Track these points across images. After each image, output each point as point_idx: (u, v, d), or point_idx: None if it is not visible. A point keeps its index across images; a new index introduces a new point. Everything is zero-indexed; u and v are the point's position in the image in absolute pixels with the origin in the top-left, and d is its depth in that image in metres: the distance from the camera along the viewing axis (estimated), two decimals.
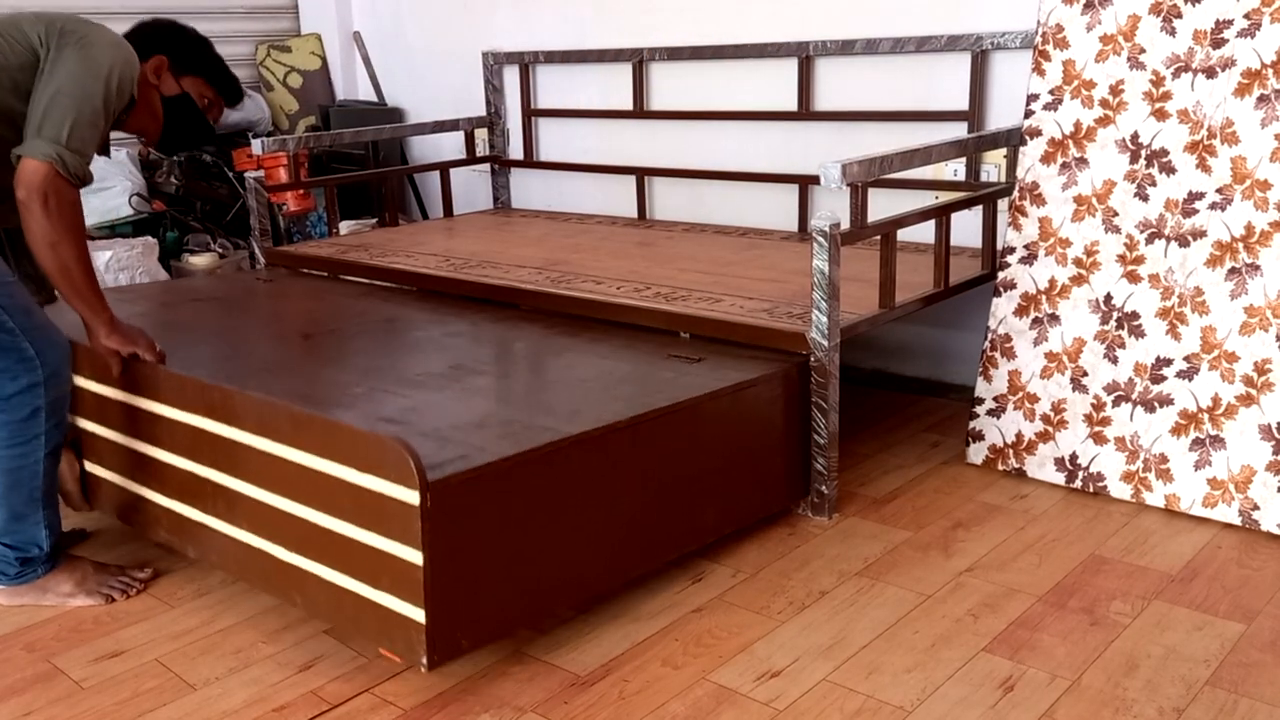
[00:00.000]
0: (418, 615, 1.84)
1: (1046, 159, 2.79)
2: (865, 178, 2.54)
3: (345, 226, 4.28)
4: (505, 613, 2.00)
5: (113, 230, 3.90)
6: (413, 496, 1.79)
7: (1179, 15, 2.59)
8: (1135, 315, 2.65)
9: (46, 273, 2.24)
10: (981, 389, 2.87)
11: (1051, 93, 2.78)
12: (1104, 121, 2.70)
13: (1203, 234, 2.56)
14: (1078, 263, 2.73)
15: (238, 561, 2.23)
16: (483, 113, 4.41)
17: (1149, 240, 2.64)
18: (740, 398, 2.41)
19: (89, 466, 2.60)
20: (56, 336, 2.27)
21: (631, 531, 2.23)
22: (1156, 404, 2.60)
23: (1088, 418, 2.69)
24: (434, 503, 1.79)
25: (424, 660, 1.85)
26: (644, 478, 2.23)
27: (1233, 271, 2.52)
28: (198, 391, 2.22)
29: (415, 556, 1.82)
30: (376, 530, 1.88)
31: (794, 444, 2.55)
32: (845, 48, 3.42)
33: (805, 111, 3.56)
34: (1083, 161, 2.73)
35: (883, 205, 3.12)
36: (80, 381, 2.50)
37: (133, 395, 2.38)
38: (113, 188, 4.17)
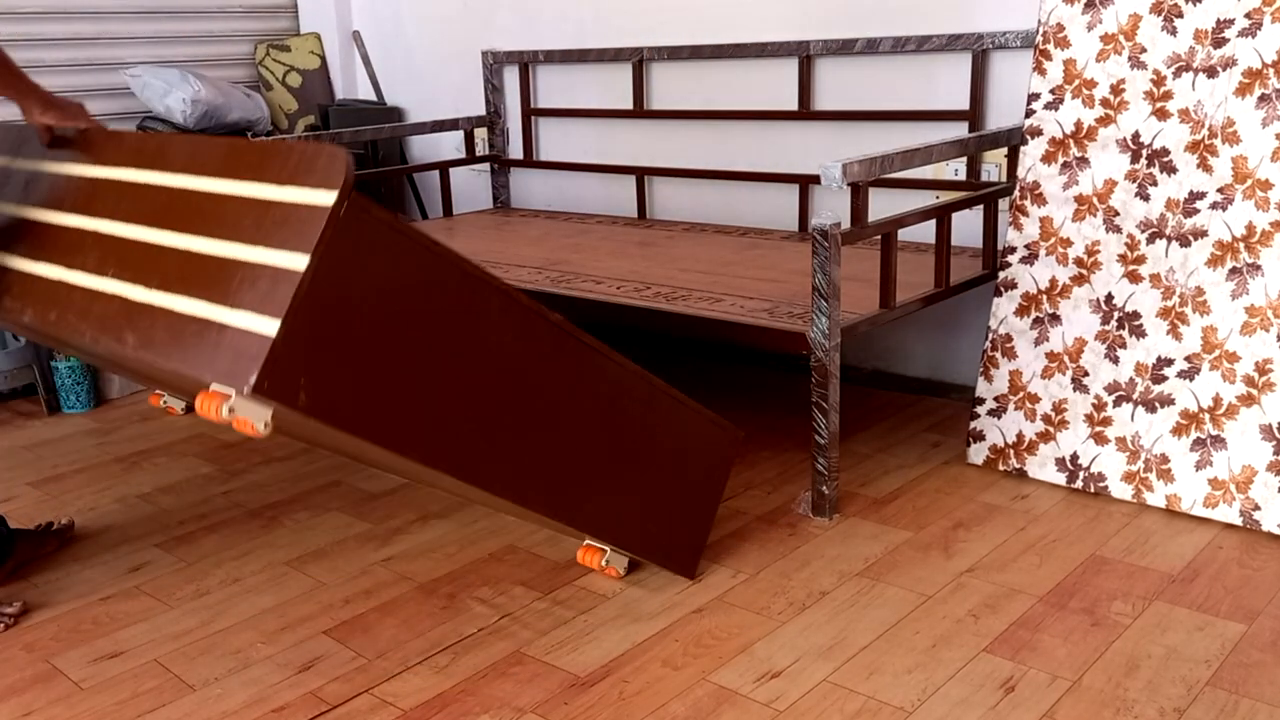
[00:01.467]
0: (269, 329, 1.60)
1: (1047, 158, 2.78)
2: (865, 177, 2.54)
3: None
4: (355, 401, 1.75)
5: None
6: (329, 198, 1.62)
7: (1180, 15, 2.59)
8: (1136, 315, 2.64)
9: None
10: (982, 389, 2.87)
11: (1052, 92, 2.77)
12: (1105, 121, 2.70)
13: (1204, 234, 2.56)
14: (1079, 262, 2.73)
15: (82, 311, 1.95)
16: (482, 112, 4.41)
17: (1150, 240, 2.63)
18: (697, 428, 2.36)
19: None
20: None
21: (515, 438, 2.02)
22: (1157, 404, 2.60)
23: (1089, 418, 2.69)
24: (348, 211, 1.62)
25: (250, 381, 1.57)
26: (561, 408, 2.08)
27: (1234, 271, 2.52)
28: (132, 142, 2.10)
29: (299, 262, 1.62)
30: (266, 244, 1.68)
31: (703, 519, 2.42)
32: (845, 48, 3.42)
33: (805, 111, 3.56)
34: (1084, 161, 2.73)
35: (883, 205, 3.12)
36: None
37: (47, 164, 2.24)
38: None
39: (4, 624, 2.28)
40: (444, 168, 4.30)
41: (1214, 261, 2.54)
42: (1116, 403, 2.65)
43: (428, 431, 1.88)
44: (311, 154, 1.70)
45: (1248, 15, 2.50)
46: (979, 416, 2.87)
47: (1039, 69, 2.79)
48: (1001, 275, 2.85)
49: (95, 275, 1.96)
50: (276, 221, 1.70)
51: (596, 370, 2.13)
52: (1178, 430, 2.57)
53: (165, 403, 3.57)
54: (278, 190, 1.72)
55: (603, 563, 2.35)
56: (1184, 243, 2.59)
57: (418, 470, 2.01)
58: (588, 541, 2.36)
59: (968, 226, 3.17)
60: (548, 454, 2.08)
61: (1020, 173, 2.83)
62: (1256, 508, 2.46)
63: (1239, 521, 2.49)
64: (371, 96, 4.85)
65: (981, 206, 3.00)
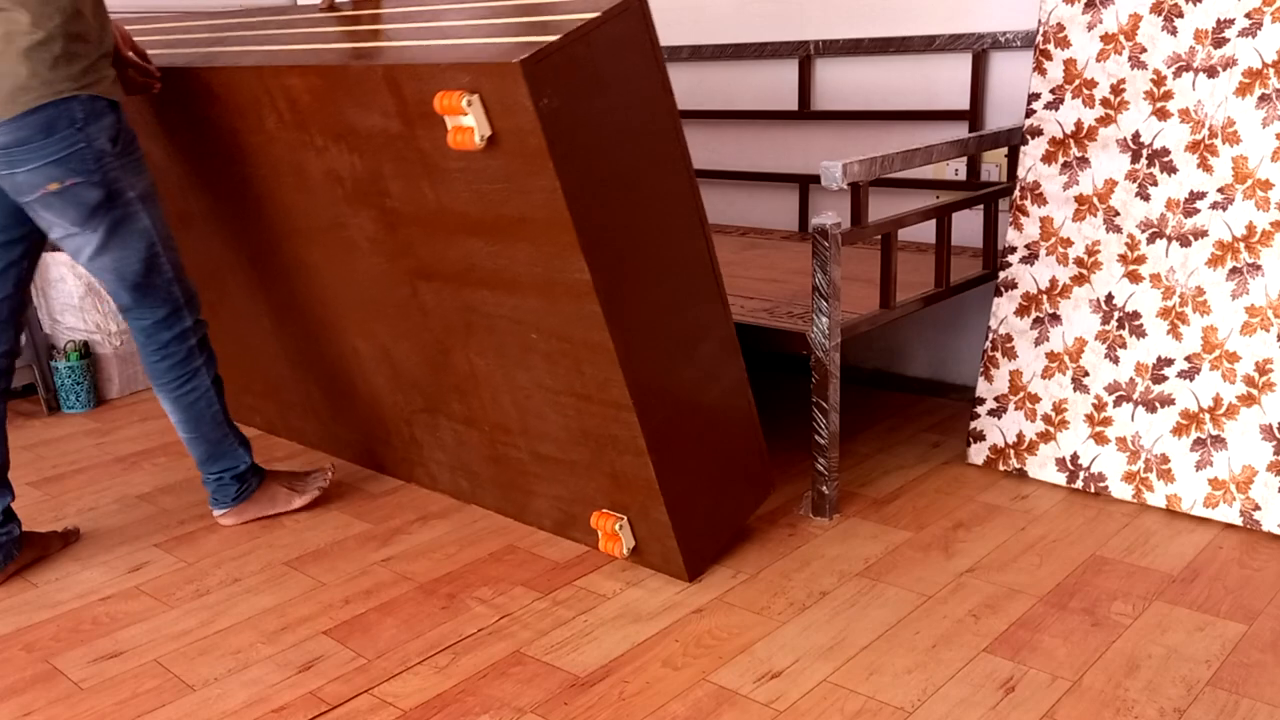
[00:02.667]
0: (554, 39, 1.90)
1: (1048, 158, 2.78)
2: (866, 177, 2.54)
3: None
4: (570, 143, 1.97)
5: None
6: None
7: (1180, 15, 2.59)
8: (1136, 315, 2.64)
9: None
10: (982, 389, 2.87)
11: (1053, 92, 2.77)
12: (1105, 121, 2.70)
13: (1204, 234, 2.56)
14: (1079, 262, 2.73)
15: (322, 56, 2.28)
16: None
17: (1150, 240, 2.63)
18: (747, 443, 2.45)
19: None
20: (193, 286, 2.54)
21: (650, 321, 2.16)
22: (1158, 404, 2.60)
23: (1089, 418, 2.69)
24: (639, 5, 2.00)
25: (527, 55, 1.85)
26: (684, 315, 2.25)
27: (1234, 271, 2.52)
28: None
29: (589, 16, 1.95)
30: (559, 12, 2.02)
31: (723, 530, 2.44)
32: (846, 48, 3.42)
33: (805, 111, 3.56)
34: (1084, 161, 2.73)
35: (883, 205, 3.12)
36: None
37: None
38: None
39: (328, 481, 2.77)
40: None
41: (1214, 261, 2.54)
42: (1117, 403, 2.65)
43: (596, 220, 2.03)
44: None
45: (1248, 15, 2.50)
46: (979, 416, 2.87)
47: (1039, 69, 2.79)
48: (1002, 275, 2.85)
49: (356, 42, 2.29)
50: (573, 7, 2.01)
51: (717, 311, 2.30)
52: (1178, 430, 2.57)
53: None
54: None
55: (615, 527, 2.34)
56: (1184, 243, 2.59)
57: (545, 279, 2.11)
58: (605, 509, 2.37)
59: (968, 226, 3.17)
60: (656, 334, 2.19)
61: (1020, 173, 2.83)
62: (1257, 508, 2.46)
63: (1239, 521, 2.49)
64: None
65: (981, 206, 3.01)
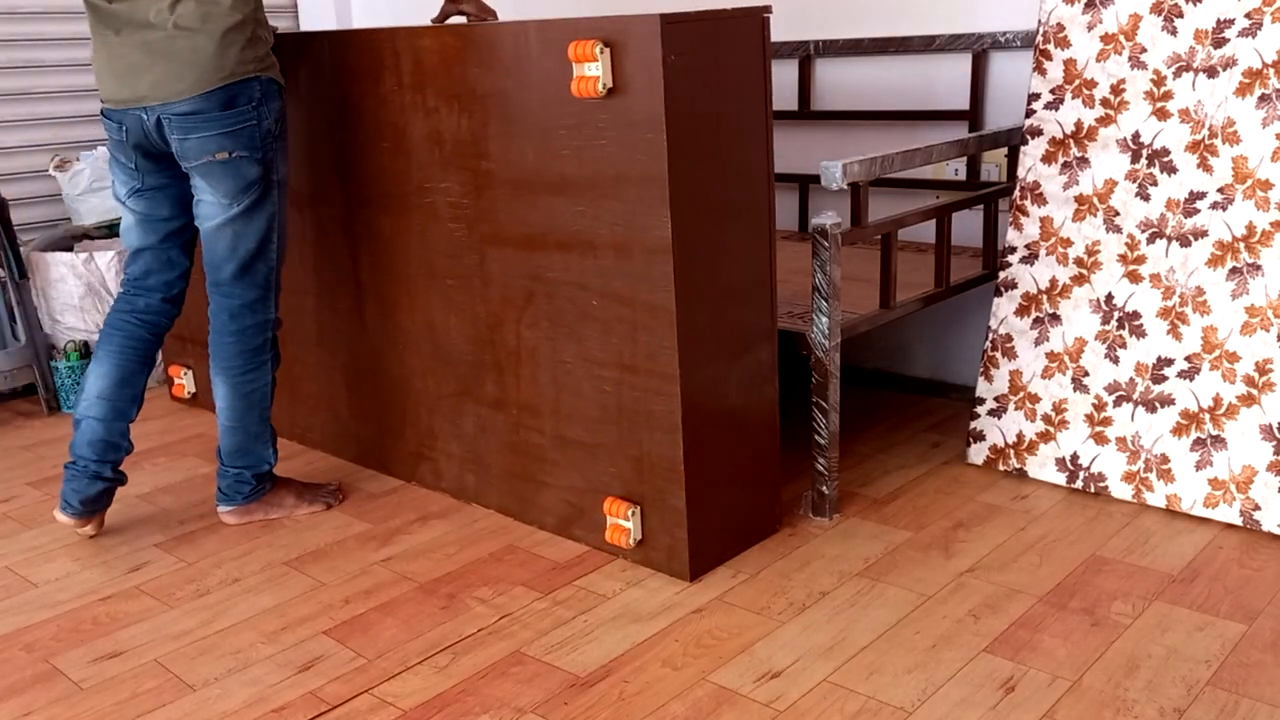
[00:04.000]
0: (680, 13, 2.16)
1: (1048, 158, 2.78)
2: (865, 177, 2.54)
3: None
4: (682, 104, 2.16)
5: (112, 230, 3.90)
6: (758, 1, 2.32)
7: (1180, 15, 2.59)
8: (1136, 315, 2.64)
9: None
10: (982, 389, 2.87)
11: (1052, 92, 2.77)
12: (1105, 121, 2.70)
13: (1204, 234, 2.56)
14: (1079, 262, 2.73)
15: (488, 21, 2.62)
16: None
17: (1150, 240, 2.63)
18: (768, 464, 2.50)
19: None
20: (280, 285, 2.63)
21: (713, 304, 2.30)
22: (1158, 404, 2.60)
23: (1089, 418, 2.69)
24: (765, 16, 2.29)
25: (663, 13, 2.09)
26: (741, 316, 2.38)
27: (1234, 271, 2.52)
28: None
29: (720, 9, 2.24)
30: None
31: (732, 542, 2.49)
32: (845, 48, 3.42)
33: (805, 111, 3.56)
34: (1084, 161, 2.73)
35: (883, 205, 3.12)
36: None
37: None
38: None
39: (339, 497, 2.82)
40: None
41: (1214, 261, 2.54)
42: (1117, 403, 2.65)
43: (688, 189, 2.19)
44: None
45: (1248, 15, 2.50)
46: (979, 416, 2.87)
47: (1039, 69, 2.79)
48: (1001, 275, 2.85)
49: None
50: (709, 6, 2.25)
51: (762, 313, 2.41)
52: (1178, 430, 2.57)
53: (181, 379, 3.59)
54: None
55: (628, 512, 2.37)
56: (1184, 243, 2.59)
57: (624, 239, 2.26)
58: (618, 496, 2.40)
59: (968, 226, 3.17)
60: (713, 320, 2.31)
61: (1020, 173, 2.83)
62: (1257, 508, 2.46)
63: (1239, 521, 2.49)
64: None
65: (981, 206, 3.00)
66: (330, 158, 2.82)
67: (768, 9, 2.28)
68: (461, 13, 2.66)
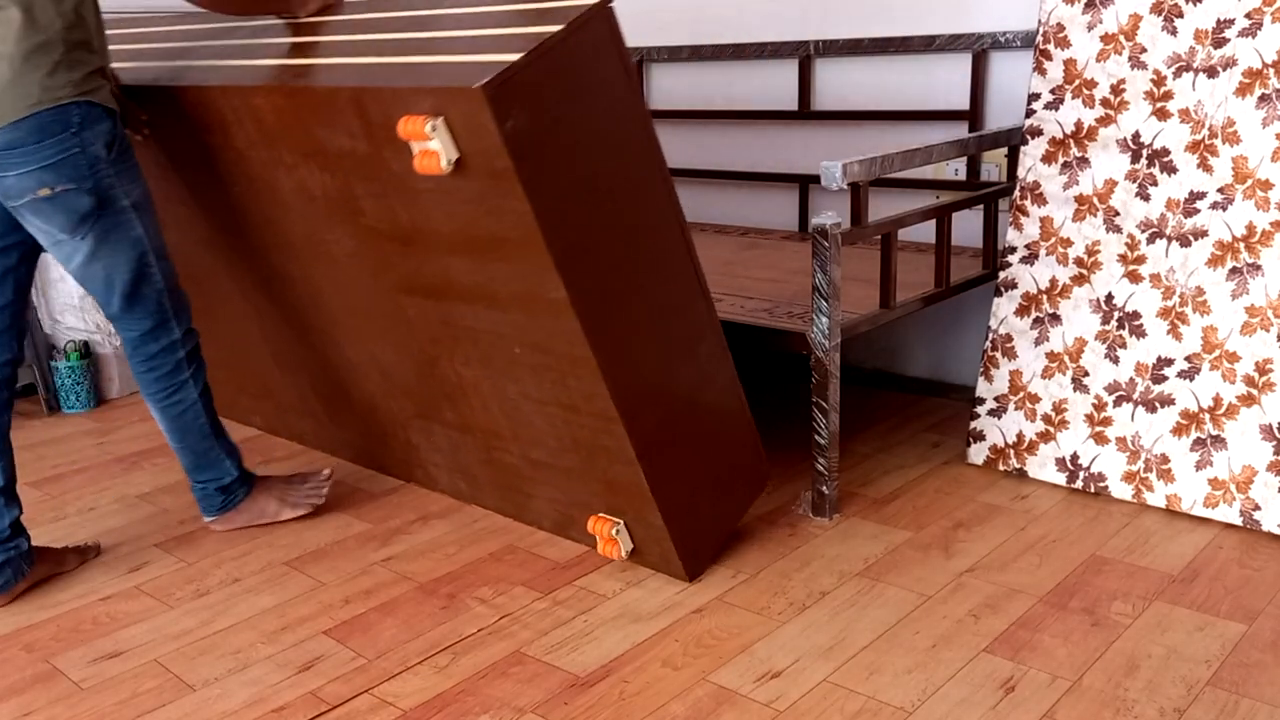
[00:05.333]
0: (511, 58, 1.84)
1: (1047, 158, 2.78)
2: (865, 177, 2.54)
3: None
4: (541, 164, 1.92)
5: None
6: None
7: (1180, 15, 2.59)
8: (1136, 315, 2.64)
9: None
10: (982, 389, 2.87)
11: (1052, 92, 2.77)
12: (1105, 121, 2.70)
13: (1204, 234, 2.56)
14: (1079, 262, 2.73)
15: (305, 72, 2.25)
16: None
17: (1150, 240, 2.63)
18: (740, 436, 2.41)
19: None
20: (185, 297, 2.50)
21: (630, 331, 2.13)
22: (1158, 404, 2.60)
23: (1089, 418, 2.69)
24: (608, 11, 1.94)
25: (485, 80, 1.79)
26: (668, 321, 2.21)
27: (1234, 271, 2.52)
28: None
29: (555, 28, 1.89)
30: (525, 24, 1.96)
31: (720, 529, 2.44)
32: (845, 48, 3.42)
33: (805, 111, 3.56)
34: (1084, 161, 2.73)
35: (883, 205, 3.12)
36: None
37: None
38: None
39: (326, 489, 2.72)
40: None
41: (1214, 261, 2.54)
42: (1117, 403, 2.65)
43: (571, 238, 1.98)
44: None
45: (1248, 15, 2.50)
46: (979, 416, 2.87)
47: (1039, 69, 2.79)
48: (1001, 275, 2.85)
49: (323, 58, 2.23)
50: (539, 14, 1.94)
51: (703, 316, 2.27)
52: (1178, 430, 2.57)
53: None
54: (543, 2, 1.99)
55: (612, 531, 2.34)
56: (1184, 243, 2.59)
57: (523, 295, 2.08)
58: (601, 514, 2.37)
59: (968, 226, 3.17)
60: (641, 345, 2.16)
61: (1020, 173, 2.83)
62: (1257, 508, 2.46)
63: (1239, 521, 2.49)
64: None
65: (981, 206, 3.00)
66: (219, 202, 2.67)
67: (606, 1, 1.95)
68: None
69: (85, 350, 3.66)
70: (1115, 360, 2.66)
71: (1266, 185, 2.48)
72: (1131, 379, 2.64)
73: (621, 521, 2.34)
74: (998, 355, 2.85)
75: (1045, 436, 2.76)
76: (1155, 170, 2.63)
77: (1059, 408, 2.73)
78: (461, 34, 2.00)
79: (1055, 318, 2.76)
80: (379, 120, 2.00)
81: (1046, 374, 2.76)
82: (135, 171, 2.37)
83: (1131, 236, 2.66)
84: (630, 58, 2.01)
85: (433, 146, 1.87)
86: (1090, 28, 2.71)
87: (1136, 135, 2.65)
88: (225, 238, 2.77)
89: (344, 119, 2.09)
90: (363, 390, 2.78)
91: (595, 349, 2.05)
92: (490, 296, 2.15)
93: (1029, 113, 2.81)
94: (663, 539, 2.30)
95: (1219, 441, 2.51)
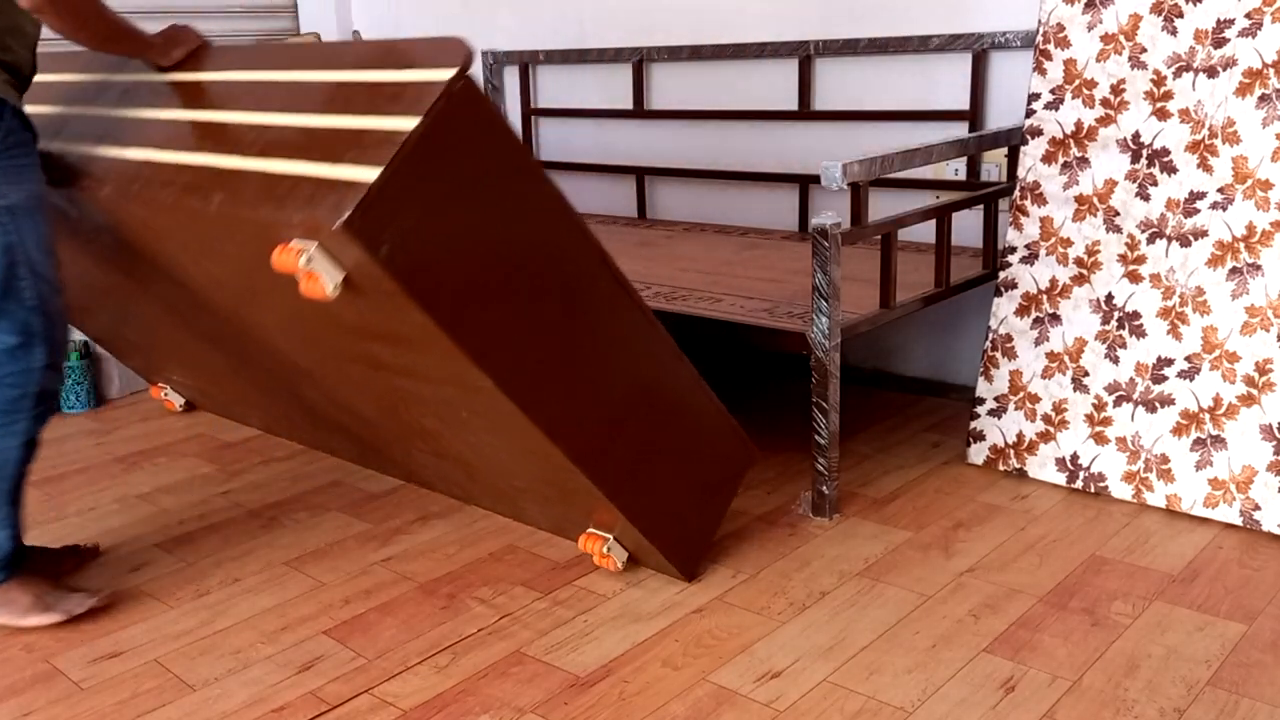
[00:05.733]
0: (369, 176, 1.64)
1: (1048, 158, 2.78)
2: (866, 177, 2.54)
3: None
4: (431, 274, 1.78)
5: None
6: (447, 74, 1.70)
7: (1180, 15, 2.59)
8: (1136, 315, 2.64)
9: (67, 36, 2.12)
10: (982, 389, 2.87)
11: (1052, 92, 2.77)
12: (1105, 121, 2.70)
13: (1204, 234, 2.56)
14: (1079, 262, 2.73)
15: (168, 181, 2.00)
16: None
17: (1150, 240, 2.63)
18: (724, 433, 2.35)
19: None
20: (64, 333, 2.23)
21: (563, 368, 2.02)
22: (1158, 404, 2.60)
23: (1089, 418, 2.69)
24: (463, 88, 1.71)
25: (345, 215, 1.60)
26: (607, 360, 2.08)
27: (1234, 271, 2.52)
28: (241, 53, 2.25)
29: (409, 124, 1.67)
30: (379, 113, 1.74)
31: (710, 522, 2.41)
32: (845, 48, 3.42)
33: (805, 111, 3.56)
34: (1084, 161, 2.73)
35: (883, 205, 3.12)
36: None
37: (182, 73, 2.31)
38: None
39: (88, 607, 2.27)
40: None
41: (1214, 261, 2.54)
42: (1117, 403, 2.65)
43: (485, 330, 1.87)
44: (434, 42, 1.78)
45: (1248, 15, 2.50)
46: (979, 416, 2.87)
47: (1039, 69, 2.79)
48: (1001, 275, 2.85)
49: (189, 152, 2.02)
50: (392, 96, 1.75)
51: (647, 336, 2.16)
52: (1178, 430, 2.57)
53: (165, 395, 3.56)
54: (397, 73, 1.79)
55: (604, 549, 2.33)
56: (1184, 243, 2.59)
57: (454, 377, 1.97)
58: (591, 530, 2.36)
59: (968, 226, 3.17)
60: (587, 397, 2.07)
61: (1020, 173, 2.83)
62: (1257, 508, 2.46)
63: (1239, 521, 2.49)
64: None
65: (981, 206, 3.00)
66: (144, 263, 2.44)
67: (463, 64, 1.73)
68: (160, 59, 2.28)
69: (85, 350, 3.65)
70: (1115, 360, 2.66)
71: (1266, 185, 2.48)
72: (1131, 379, 2.64)
73: (611, 536, 2.34)
74: (998, 355, 2.85)
75: (1045, 436, 2.76)
76: (1155, 170, 2.63)
77: (1059, 408, 2.73)
78: (321, 124, 1.84)
79: (1055, 318, 2.76)
80: (252, 246, 1.84)
81: (1046, 374, 2.76)
82: (25, 171, 2.12)
83: (1131, 236, 2.66)
84: (501, 114, 1.85)
85: (315, 271, 1.71)
86: (1090, 28, 2.71)
87: (1136, 135, 2.65)
88: (162, 289, 2.55)
89: (220, 235, 1.97)
90: (339, 420, 2.73)
91: (536, 420, 1.97)
92: (423, 376, 2.06)
93: (1029, 113, 2.81)
94: (651, 551, 2.31)
95: (1219, 441, 2.51)
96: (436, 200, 1.75)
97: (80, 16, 2.12)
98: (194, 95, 2.21)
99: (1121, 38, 2.67)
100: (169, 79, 2.30)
